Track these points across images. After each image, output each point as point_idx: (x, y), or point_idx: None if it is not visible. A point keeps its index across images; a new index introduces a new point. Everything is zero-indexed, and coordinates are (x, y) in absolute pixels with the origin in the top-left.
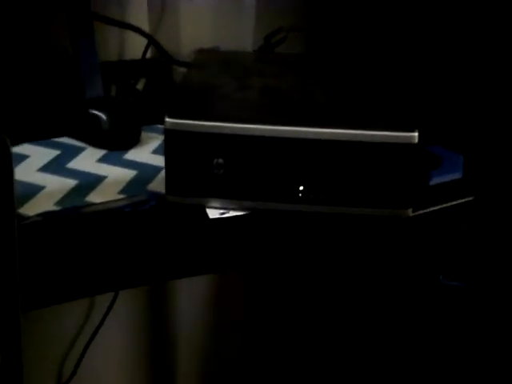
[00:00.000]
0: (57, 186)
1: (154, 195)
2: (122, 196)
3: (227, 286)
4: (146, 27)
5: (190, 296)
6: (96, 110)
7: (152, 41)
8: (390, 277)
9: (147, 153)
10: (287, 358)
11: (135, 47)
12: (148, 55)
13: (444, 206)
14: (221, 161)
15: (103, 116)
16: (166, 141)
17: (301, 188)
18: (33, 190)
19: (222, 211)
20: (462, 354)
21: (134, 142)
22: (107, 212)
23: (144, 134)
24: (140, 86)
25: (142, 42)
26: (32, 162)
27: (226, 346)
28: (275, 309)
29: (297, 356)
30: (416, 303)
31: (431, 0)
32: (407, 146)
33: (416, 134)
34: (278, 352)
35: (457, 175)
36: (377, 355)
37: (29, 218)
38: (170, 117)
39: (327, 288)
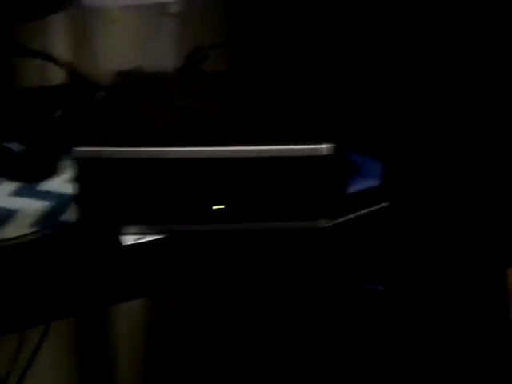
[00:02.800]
0: None
1: (67, 225)
2: (34, 229)
3: (157, 305)
4: (67, 53)
5: (123, 320)
6: (7, 141)
7: (70, 70)
8: (314, 287)
9: (63, 182)
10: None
11: (56, 73)
12: (70, 81)
13: (361, 213)
14: (133, 186)
15: (16, 147)
16: (75, 169)
17: (215, 207)
18: None
19: (137, 237)
20: (388, 356)
21: (50, 172)
22: (20, 246)
23: (62, 164)
24: (59, 113)
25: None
26: None
27: (164, 363)
28: (204, 325)
29: (227, 366)
30: (341, 310)
31: (344, 12)
32: (317, 158)
33: (327, 145)
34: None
35: (374, 182)
36: (304, 364)
37: None
38: (79, 145)
39: (250, 304)
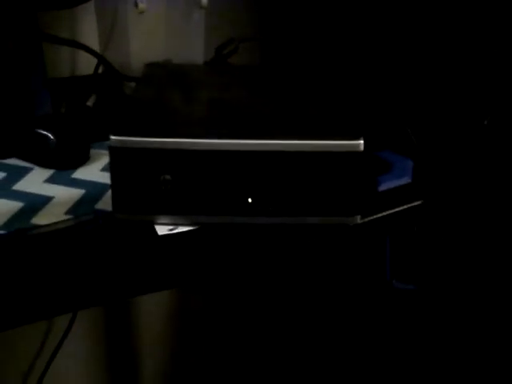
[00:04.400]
0: (2, 209)
1: (102, 214)
2: (68, 216)
3: (186, 300)
4: (96, 43)
5: (150, 312)
6: (43, 129)
7: (101, 58)
8: (344, 284)
9: (96, 171)
10: (248, 365)
11: (86, 63)
12: (100, 71)
13: (393, 210)
14: (168, 177)
15: (50, 135)
16: (111, 158)
17: (249, 200)
18: None
19: (170, 227)
20: (418, 355)
21: (83, 160)
22: (54, 234)
23: (94, 152)
24: (91, 102)
25: (93, 58)
26: None
27: (189, 360)
28: (230, 320)
29: (257, 362)
30: (371, 308)
31: (375, 9)
32: (353, 153)
33: (361, 141)
34: (238, 358)
35: (406, 180)
36: (333, 362)
37: None
38: (115, 134)
39: (282, 298)
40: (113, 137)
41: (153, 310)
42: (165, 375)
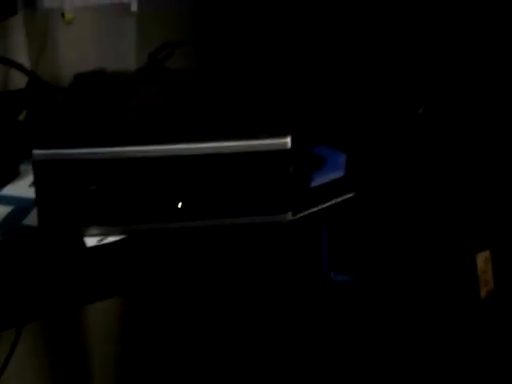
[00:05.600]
0: None
1: (28, 230)
2: None
3: (127, 307)
4: (27, 57)
5: (94, 322)
6: None
7: (30, 74)
8: (282, 280)
9: (25, 186)
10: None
11: (18, 77)
12: (32, 85)
13: (326, 204)
14: (94, 187)
15: None
16: (34, 172)
17: (179, 205)
18: None
19: (100, 238)
20: (356, 347)
21: (12, 176)
22: None
23: (24, 167)
24: (22, 117)
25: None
26: None
27: (139, 367)
28: (175, 324)
29: (195, 365)
30: (309, 302)
31: (302, 5)
32: (280, 151)
33: (287, 139)
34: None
35: (339, 173)
36: (274, 359)
37: None
38: (38, 147)
39: (218, 299)
40: (35, 151)
41: (98, 319)
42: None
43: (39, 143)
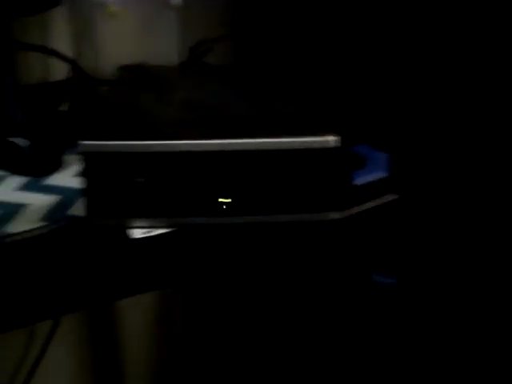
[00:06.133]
0: None
1: (75, 220)
2: (43, 223)
3: (168, 302)
4: (68, 49)
5: (133, 316)
6: (15, 136)
7: (73, 63)
8: (322, 280)
9: (69, 176)
10: (230, 365)
11: (59, 69)
12: (73, 76)
13: (370, 205)
14: (141, 179)
15: (22, 143)
16: (82, 164)
17: (225, 200)
18: None
19: (145, 230)
20: (396, 350)
21: (56, 166)
22: (29, 241)
23: (67, 158)
24: (64, 108)
25: (66, 63)
26: None
27: (175, 363)
28: (214, 318)
29: (237, 360)
30: (350, 303)
31: (350, 5)
32: (328, 150)
33: (335, 137)
34: (220, 359)
35: (382, 174)
36: (315, 360)
37: None
38: (86, 139)
39: (261, 296)
40: (83, 142)
41: (136, 313)
42: (150, 379)
43: (87, 134)
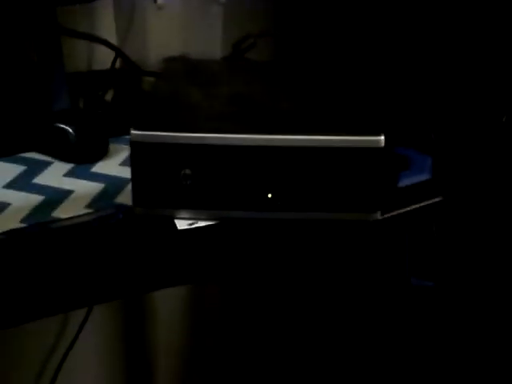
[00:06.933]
0: (22, 202)
1: (122, 208)
2: (89, 210)
3: (202, 295)
4: (113, 37)
5: (166, 307)
6: (62, 123)
7: (119, 52)
8: (362, 280)
9: (115, 165)
10: (263, 361)
11: (104, 58)
12: (117, 65)
13: (413, 207)
14: (188, 171)
15: (69, 129)
16: (131, 153)
17: (269, 195)
18: None
19: (190, 221)
20: (437, 353)
21: (102, 154)
22: (74, 227)
23: (112, 146)
24: (109, 96)
25: (111, 52)
26: None
27: (206, 356)
28: (250, 314)
29: (272, 358)
30: (389, 305)
31: (397, 3)
32: (374, 149)
33: (382, 137)
34: (254, 355)
35: (425, 176)
36: (352, 359)
37: None
38: (136, 129)
39: (300, 293)
40: (134, 131)
41: (169, 305)
42: (180, 371)
43: (137, 124)
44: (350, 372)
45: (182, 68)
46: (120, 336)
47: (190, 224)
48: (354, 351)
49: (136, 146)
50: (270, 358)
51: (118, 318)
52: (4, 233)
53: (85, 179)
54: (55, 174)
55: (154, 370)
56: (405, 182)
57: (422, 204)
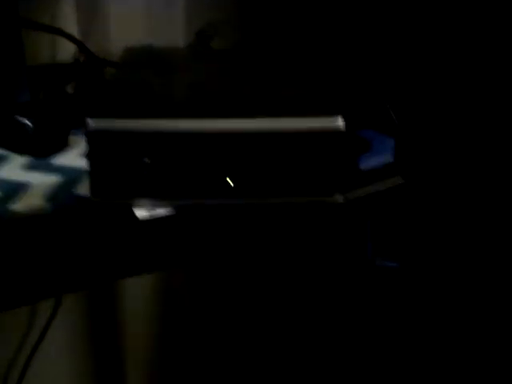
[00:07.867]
0: None
1: (80, 199)
2: (47, 203)
3: (169, 283)
4: (75, 29)
5: (134, 297)
6: (21, 116)
7: (80, 44)
8: (326, 262)
9: (75, 156)
10: (233, 345)
11: (66, 50)
12: (80, 57)
13: (375, 189)
14: (146, 159)
15: (28, 122)
16: (87, 142)
17: (229, 181)
18: None
19: (150, 210)
20: (399, 334)
21: (61, 146)
22: (33, 219)
23: (73, 138)
24: (70, 89)
25: (73, 44)
26: None
27: (176, 344)
28: (215, 302)
29: (240, 341)
30: (352, 286)
31: None
32: (333, 132)
33: (341, 119)
34: (223, 339)
35: (387, 159)
36: (315, 342)
37: None
38: (92, 117)
39: (264, 277)
40: (90, 119)
41: (137, 294)
42: (151, 360)
43: (93, 112)
44: (313, 354)
45: (143, 57)
46: (89, 325)
47: (151, 213)
48: (318, 334)
49: (92, 135)
50: (238, 340)
51: (86, 307)
52: None
53: (43, 172)
54: (13, 168)
55: (125, 359)
56: (366, 165)
57: (383, 186)
